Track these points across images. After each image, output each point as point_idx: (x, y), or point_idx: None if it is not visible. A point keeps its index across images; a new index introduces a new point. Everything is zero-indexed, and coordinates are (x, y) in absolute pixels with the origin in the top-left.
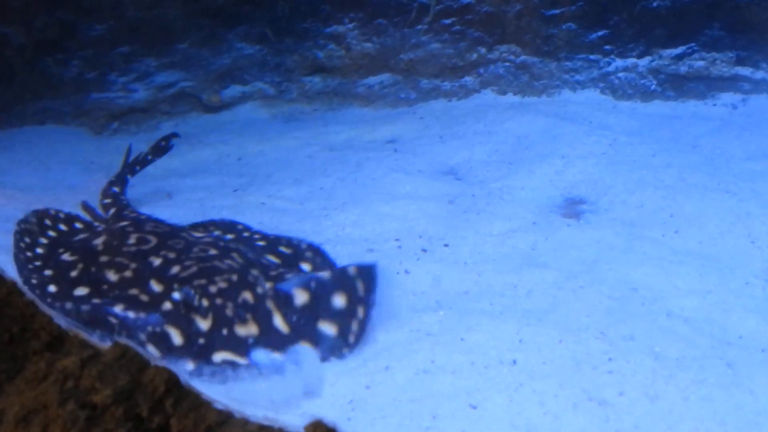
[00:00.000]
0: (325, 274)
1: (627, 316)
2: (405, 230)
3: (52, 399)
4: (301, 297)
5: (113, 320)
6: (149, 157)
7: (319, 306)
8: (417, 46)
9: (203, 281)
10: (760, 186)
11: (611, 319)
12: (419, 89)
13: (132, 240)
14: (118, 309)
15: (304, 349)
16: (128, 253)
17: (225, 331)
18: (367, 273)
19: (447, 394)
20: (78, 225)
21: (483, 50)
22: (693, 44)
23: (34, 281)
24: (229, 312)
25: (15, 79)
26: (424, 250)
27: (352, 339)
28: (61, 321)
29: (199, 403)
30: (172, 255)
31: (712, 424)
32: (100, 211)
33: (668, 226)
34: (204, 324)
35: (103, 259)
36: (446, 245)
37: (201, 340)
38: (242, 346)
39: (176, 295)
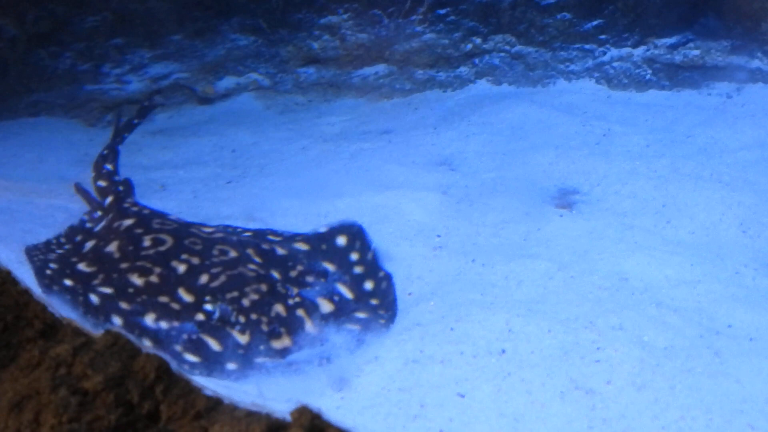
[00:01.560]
0: (343, 289)
1: (617, 306)
2: (398, 221)
3: (45, 385)
4: (326, 306)
5: (146, 342)
6: (135, 121)
7: (343, 311)
8: (412, 36)
9: (235, 294)
10: (753, 175)
11: (601, 309)
12: (414, 80)
13: (147, 243)
14: (149, 320)
15: (333, 345)
16: (148, 257)
17: (262, 347)
18: (384, 276)
19: (435, 383)
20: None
21: (478, 40)
22: (688, 33)
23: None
24: (264, 327)
25: (8, 71)
26: (417, 241)
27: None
28: (54, 309)
29: (188, 390)
30: (195, 260)
31: (698, 413)
32: (94, 194)
33: (660, 216)
34: (242, 339)
35: (124, 265)
36: (439, 236)
37: (240, 352)
38: (278, 355)
39: (209, 307)
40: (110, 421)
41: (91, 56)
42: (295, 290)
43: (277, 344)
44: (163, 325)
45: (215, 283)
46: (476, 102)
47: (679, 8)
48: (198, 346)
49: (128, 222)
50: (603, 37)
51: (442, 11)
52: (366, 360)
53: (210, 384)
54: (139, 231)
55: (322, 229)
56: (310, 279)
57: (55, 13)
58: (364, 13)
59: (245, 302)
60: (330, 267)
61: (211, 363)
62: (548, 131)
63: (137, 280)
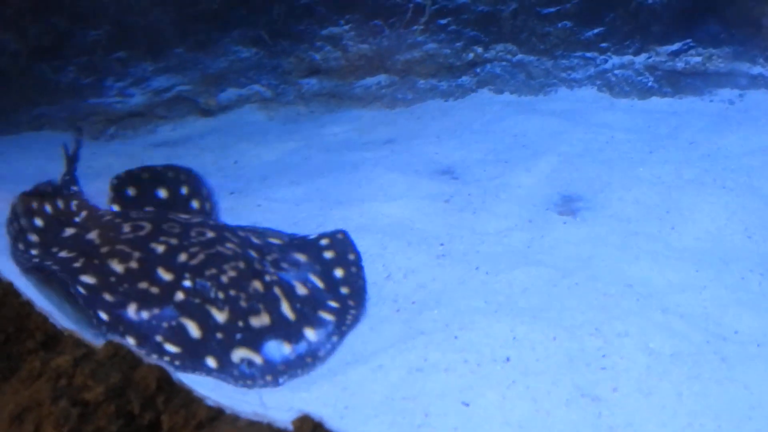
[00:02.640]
0: (317, 269)
1: (622, 312)
2: (401, 230)
3: (45, 397)
4: (301, 289)
5: (131, 341)
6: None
7: (317, 297)
8: (413, 46)
9: (214, 271)
10: (757, 181)
11: (606, 315)
12: (416, 89)
13: (126, 228)
14: (131, 311)
15: (309, 336)
16: (128, 241)
17: (241, 324)
18: (354, 262)
19: (439, 392)
20: (48, 208)
21: (479, 50)
22: (689, 40)
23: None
24: (243, 303)
25: (10, 86)
26: (420, 249)
27: (349, 320)
28: (56, 321)
29: (190, 400)
30: (173, 241)
31: (705, 419)
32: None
33: (664, 222)
34: (221, 317)
35: (104, 250)
36: (442, 244)
37: (219, 335)
38: (257, 340)
39: (187, 284)
40: None
41: (93, 70)
42: (272, 269)
43: (256, 322)
44: (144, 315)
45: (193, 262)
46: (478, 111)
47: (680, 15)
48: (177, 333)
49: (108, 217)
50: (604, 44)
51: (444, 21)
52: (370, 369)
53: (212, 394)
54: (118, 221)
55: (311, 236)
56: (285, 265)
57: (57, 27)
58: (365, 23)
59: (224, 278)
60: (302, 258)
61: (191, 353)
62: (551, 139)
63: (117, 266)
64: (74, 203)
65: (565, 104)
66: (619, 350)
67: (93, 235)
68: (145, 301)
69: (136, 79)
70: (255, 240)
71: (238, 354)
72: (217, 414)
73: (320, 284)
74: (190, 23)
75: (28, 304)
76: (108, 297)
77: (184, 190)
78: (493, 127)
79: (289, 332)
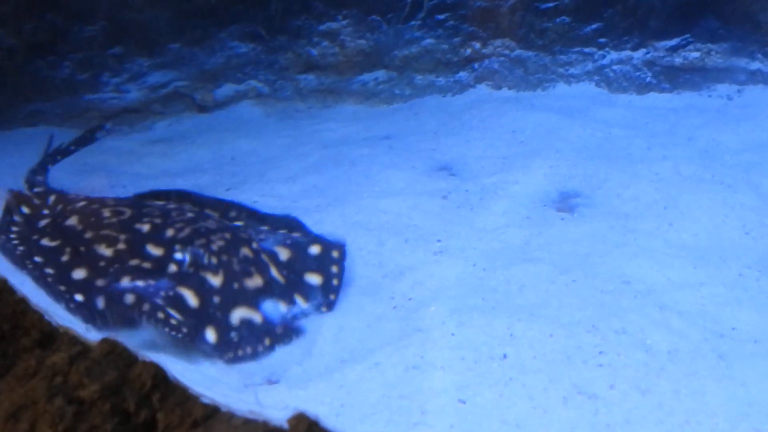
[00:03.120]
0: (295, 234)
1: (619, 309)
2: (398, 226)
3: (41, 395)
4: (283, 253)
5: (129, 297)
6: (72, 147)
7: (299, 260)
8: (411, 42)
9: (203, 240)
10: (755, 177)
11: (603, 312)
12: (414, 85)
13: (107, 213)
14: (125, 282)
15: (300, 301)
16: (111, 224)
17: (236, 285)
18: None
19: (436, 389)
20: (25, 209)
21: (477, 45)
22: (688, 36)
23: (30, 267)
24: (236, 266)
25: (6, 82)
26: (417, 246)
27: (335, 283)
28: (51, 318)
29: (185, 398)
30: (157, 220)
31: (703, 417)
32: (36, 201)
33: (662, 218)
34: (216, 280)
35: (89, 235)
36: (439, 240)
37: (216, 298)
38: (254, 300)
39: (178, 255)
40: (106, 431)
41: (89, 66)
42: (256, 238)
43: (250, 283)
44: (140, 283)
45: (182, 235)
46: (476, 107)
47: (678, 10)
48: (176, 303)
49: (80, 204)
50: (602, 40)
51: (441, 16)
52: (366, 367)
53: (207, 392)
54: (95, 206)
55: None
56: (261, 236)
57: (54, 24)
58: (363, 19)
59: (214, 246)
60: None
61: (191, 321)
62: (549, 135)
63: (105, 251)
64: (51, 198)
65: (563, 100)
66: (616, 348)
67: (72, 222)
68: (137, 274)
69: (132, 74)
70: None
71: (238, 314)
72: (213, 412)
73: (298, 254)
74: (186, 19)
75: (23, 302)
76: (100, 282)
77: None
78: (491, 123)
79: (283, 294)
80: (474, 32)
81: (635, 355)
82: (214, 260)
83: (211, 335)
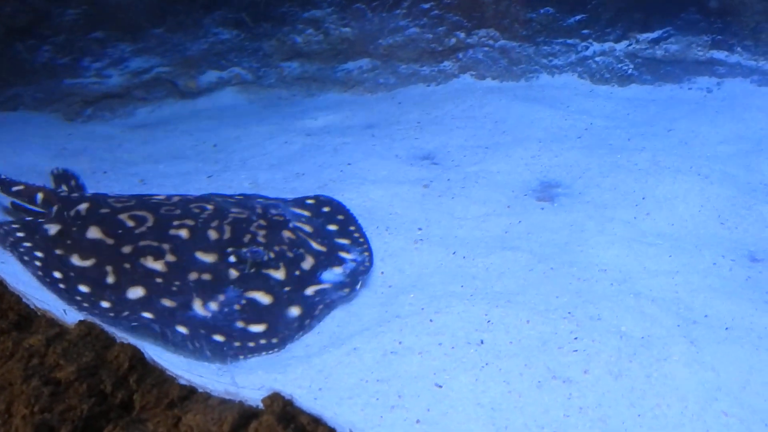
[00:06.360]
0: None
1: (595, 296)
2: (380, 214)
3: (17, 376)
4: (306, 227)
5: (217, 338)
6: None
7: (318, 226)
8: (396, 30)
9: (249, 236)
10: (731, 168)
11: (580, 299)
12: (398, 74)
13: (130, 223)
14: (198, 308)
15: (346, 257)
16: (143, 234)
17: (297, 273)
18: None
19: (413, 374)
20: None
21: (462, 35)
22: (669, 28)
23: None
24: (289, 254)
25: None
26: (398, 234)
27: (361, 240)
28: (29, 301)
29: (162, 379)
30: (189, 222)
31: (673, 400)
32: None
33: (640, 208)
34: (279, 274)
35: (126, 250)
36: (420, 229)
37: (286, 289)
38: (315, 279)
39: (233, 258)
40: (83, 411)
41: (70, 50)
42: (285, 216)
43: (306, 264)
44: (213, 306)
45: (226, 236)
46: (460, 96)
47: (660, 3)
48: (251, 308)
49: (84, 205)
50: (586, 31)
51: (426, 5)
52: (345, 352)
53: (185, 374)
54: (105, 211)
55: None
56: (279, 210)
57: (34, 6)
58: (347, 6)
59: (261, 239)
60: (294, 209)
61: (273, 320)
62: (531, 125)
63: (155, 264)
64: (39, 196)
65: (546, 91)
66: (591, 333)
67: (94, 235)
68: (205, 290)
69: (114, 59)
70: (240, 201)
71: (309, 291)
72: (189, 393)
73: (319, 225)
74: (169, 4)
75: (0, 285)
76: (167, 303)
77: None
78: (474, 113)
79: (331, 260)
80: (458, 22)
81: (609, 341)
82: (272, 255)
83: (295, 311)
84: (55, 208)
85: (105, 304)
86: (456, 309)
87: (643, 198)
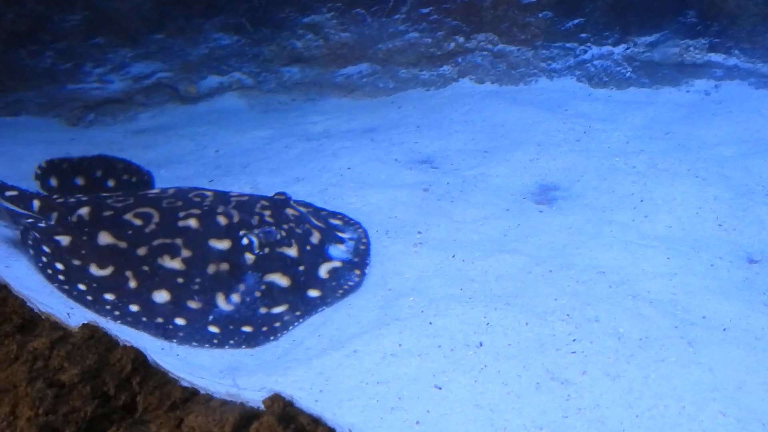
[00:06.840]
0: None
1: (593, 299)
2: (379, 218)
3: (22, 379)
4: (300, 207)
5: (246, 329)
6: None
7: (313, 213)
8: (395, 35)
9: (257, 218)
10: (729, 171)
11: (578, 302)
12: (397, 79)
13: (137, 222)
14: (221, 302)
15: (345, 236)
16: (155, 233)
17: (308, 248)
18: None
19: (413, 376)
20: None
21: (461, 39)
22: (667, 31)
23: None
24: (298, 231)
25: None
26: (398, 238)
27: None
28: (33, 305)
29: (165, 381)
30: (195, 211)
31: (670, 401)
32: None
33: (638, 211)
34: (293, 251)
35: (141, 252)
36: (419, 232)
37: (300, 268)
38: (322, 253)
39: (245, 241)
40: (86, 413)
41: (72, 55)
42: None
43: (314, 239)
44: (235, 298)
45: (235, 220)
46: (459, 100)
47: (658, 6)
48: (271, 292)
49: (85, 209)
50: (584, 35)
51: (425, 10)
52: (345, 354)
53: (187, 376)
54: (109, 213)
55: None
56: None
57: (35, 12)
58: (347, 11)
59: (268, 219)
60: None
61: (296, 300)
62: (530, 129)
63: (174, 263)
64: (35, 203)
65: (545, 94)
66: (588, 335)
67: (105, 240)
68: (225, 282)
69: (115, 65)
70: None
71: (324, 269)
72: (191, 394)
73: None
74: (170, 9)
75: (4, 288)
76: (193, 305)
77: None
78: (473, 117)
79: (331, 237)
80: (457, 26)
81: (607, 343)
82: (283, 233)
83: (315, 293)
84: (54, 215)
85: (133, 308)
86: (455, 311)
87: (641, 200)
